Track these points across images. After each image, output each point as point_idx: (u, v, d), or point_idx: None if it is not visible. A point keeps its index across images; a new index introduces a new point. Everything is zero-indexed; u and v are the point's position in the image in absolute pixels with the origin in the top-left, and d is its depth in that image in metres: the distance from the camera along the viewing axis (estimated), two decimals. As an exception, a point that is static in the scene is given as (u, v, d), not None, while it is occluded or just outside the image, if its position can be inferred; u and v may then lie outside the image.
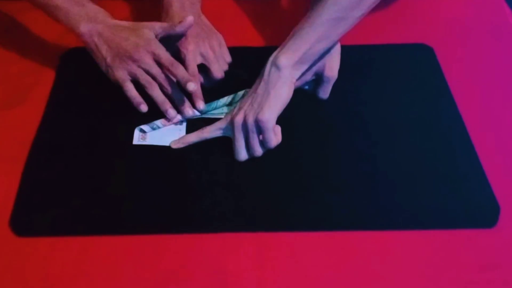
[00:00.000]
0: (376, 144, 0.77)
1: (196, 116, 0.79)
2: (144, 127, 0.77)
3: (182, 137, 0.76)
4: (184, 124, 0.78)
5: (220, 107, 0.80)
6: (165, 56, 0.74)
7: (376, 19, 0.94)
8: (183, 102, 0.77)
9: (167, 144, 0.76)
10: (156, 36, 0.76)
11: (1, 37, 0.93)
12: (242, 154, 0.73)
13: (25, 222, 0.69)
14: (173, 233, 0.68)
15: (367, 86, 0.84)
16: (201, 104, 0.78)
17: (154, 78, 0.76)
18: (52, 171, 0.74)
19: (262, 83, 0.72)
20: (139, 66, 0.75)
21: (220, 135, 0.75)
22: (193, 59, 0.80)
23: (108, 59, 0.76)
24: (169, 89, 0.76)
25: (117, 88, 0.78)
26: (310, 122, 0.79)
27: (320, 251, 0.66)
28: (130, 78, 0.76)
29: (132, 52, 0.74)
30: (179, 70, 0.74)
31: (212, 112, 0.79)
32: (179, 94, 0.77)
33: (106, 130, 0.78)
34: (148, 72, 0.75)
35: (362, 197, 0.71)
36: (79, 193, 0.71)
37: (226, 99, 0.81)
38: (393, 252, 0.66)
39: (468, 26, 0.95)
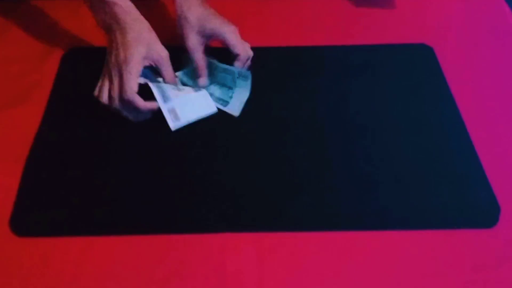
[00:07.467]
0: (375, 144, 0.77)
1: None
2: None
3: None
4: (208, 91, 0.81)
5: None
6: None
7: (376, 19, 0.94)
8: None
9: (202, 115, 0.78)
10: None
11: (1, 37, 0.93)
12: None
13: (25, 222, 0.69)
14: (173, 233, 0.68)
15: (367, 86, 0.84)
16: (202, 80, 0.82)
17: None
18: (52, 171, 0.74)
19: None
20: None
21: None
22: (200, 55, 0.82)
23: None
24: None
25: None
26: (309, 122, 0.79)
27: (320, 251, 0.66)
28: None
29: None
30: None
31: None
32: None
33: (106, 130, 0.78)
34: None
35: (361, 197, 0.71)
36: (79, 193, 0.71)
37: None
38: (393, 252, 0.66)
39: (468, 26, 0.95)
